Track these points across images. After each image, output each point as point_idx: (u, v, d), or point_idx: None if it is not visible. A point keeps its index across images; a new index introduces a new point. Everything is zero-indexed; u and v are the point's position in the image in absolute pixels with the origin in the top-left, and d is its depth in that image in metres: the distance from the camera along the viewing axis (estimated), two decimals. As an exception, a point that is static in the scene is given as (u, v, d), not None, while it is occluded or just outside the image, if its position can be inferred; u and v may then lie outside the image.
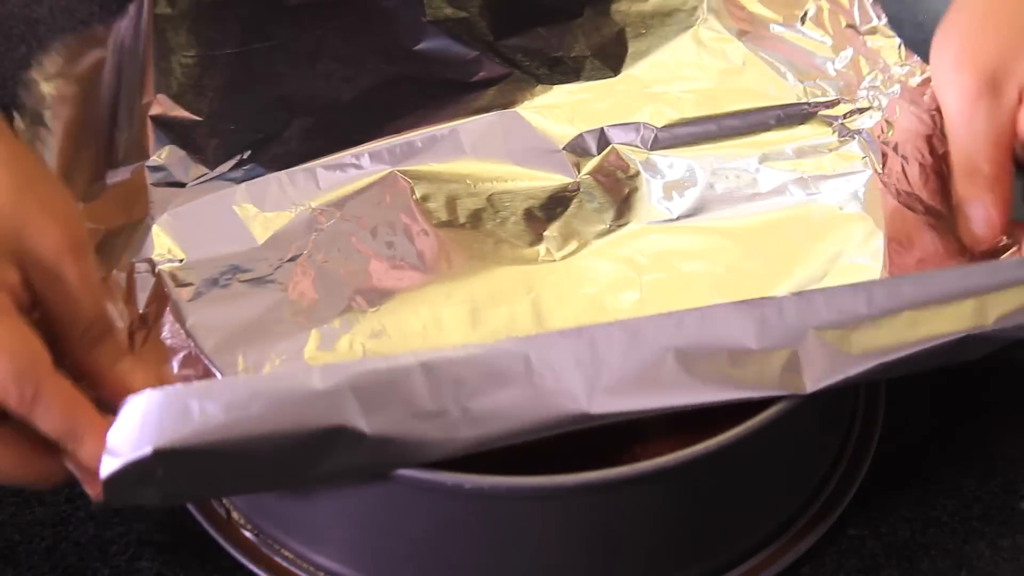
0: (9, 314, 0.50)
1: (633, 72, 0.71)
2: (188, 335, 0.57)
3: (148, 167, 0.64)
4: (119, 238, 0.61)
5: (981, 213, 0.62)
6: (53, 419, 0.50)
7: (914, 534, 0.63)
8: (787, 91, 0.69)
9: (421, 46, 0.72)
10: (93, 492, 0.51)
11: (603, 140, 0.67)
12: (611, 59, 0.72)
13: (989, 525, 0.63)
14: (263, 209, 0.62)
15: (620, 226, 0.64)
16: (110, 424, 0.48)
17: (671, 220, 0.64)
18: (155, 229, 0.61)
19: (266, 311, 0.58)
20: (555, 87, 0.70)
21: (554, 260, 0.62)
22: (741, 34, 0.71)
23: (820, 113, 0.67)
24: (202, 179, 0.64)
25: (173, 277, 0.59)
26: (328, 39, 0.72)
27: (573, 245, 0.63)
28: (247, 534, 0.60)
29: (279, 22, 0.73)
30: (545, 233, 0.63)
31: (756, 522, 0.60)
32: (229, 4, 0.73)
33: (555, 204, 0.64)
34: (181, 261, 0.60)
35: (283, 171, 0.64)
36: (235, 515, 0.61)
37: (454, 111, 0.68)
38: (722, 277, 0.61)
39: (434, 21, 0.73)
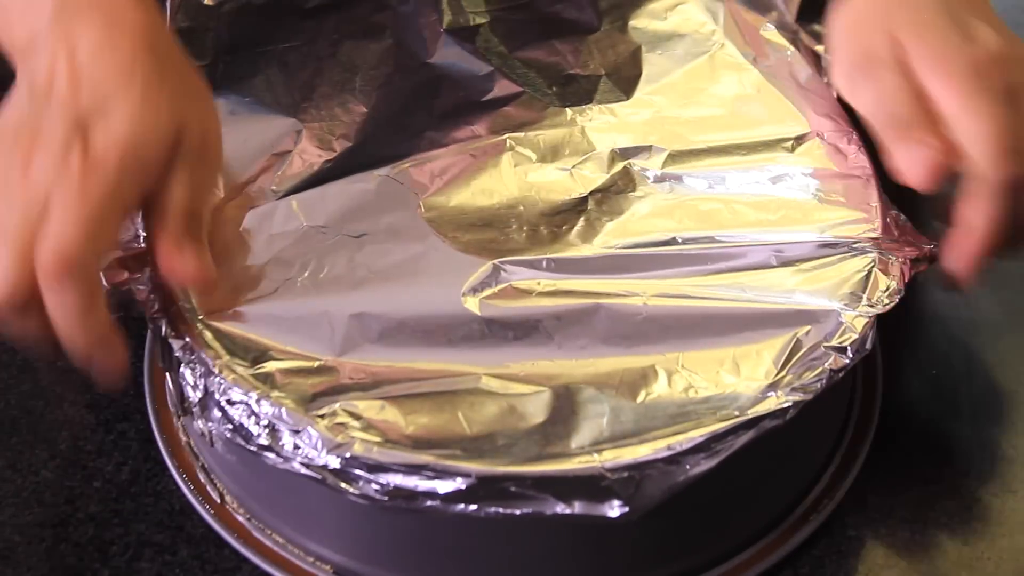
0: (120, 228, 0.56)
1: (646, 96, 0.71)
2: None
3: None
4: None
5: (921, 151, 0.58)
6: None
7: (914, 534, 0.63)
8: (800, 119, 0.68)
9: (435, 58, 0.72)
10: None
11: (614, 161, 0.67)
12: (624, 81, 0.71)
13: (989, 525, 0.63)
14: (270, 232, 0.63)
15: (626, 247, 0.63)
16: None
17: (675, 243, 0.64)
18: None
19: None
20: (566, 109, 0.70)
21: (555, 274, 0.62)
22: (756, 60, 0.71)
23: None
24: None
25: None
26: (344, 44, 0.72)
27: (576, 259, 0.63)
28: (239, 518, 0.61)
29: (296, 23, 0.72)
30: (549, 247, 0.63)
31: (748, 517, 0.61)
32: (246, 11, 0.72)
33: (561, 221, 0.65)
34: None
35: (292, 196, 0.64)
36: (228, 498, 0.62)
37: (465, 132, 0.68)
38: None
39: (450, 29, 0.73)
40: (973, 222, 0.59)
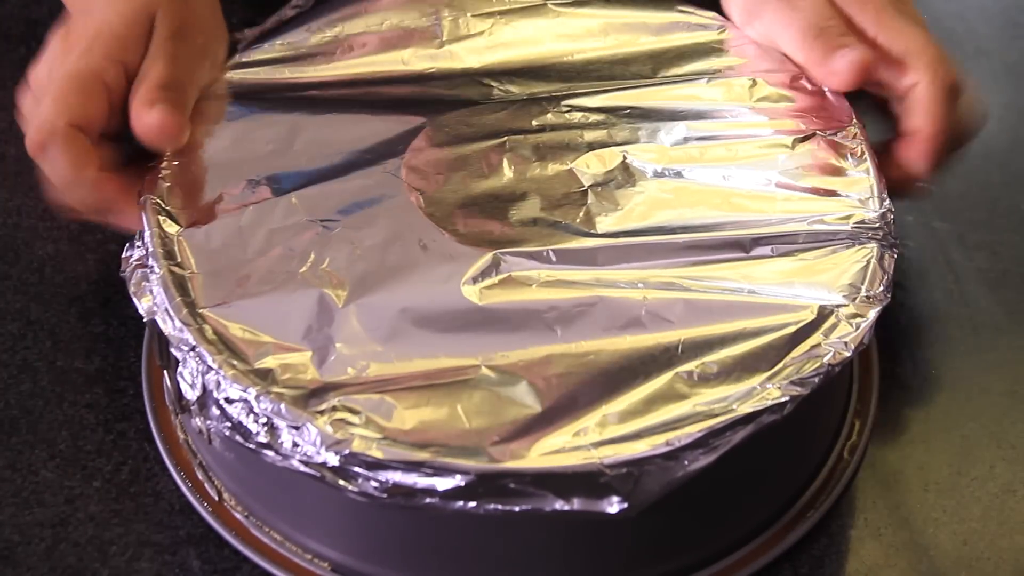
0: (100, 95, 0.62)
1: (648, 103, 0.71)
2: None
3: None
4: None
5: (846, 54, 0.66)
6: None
7: (914, 535, 0.63)
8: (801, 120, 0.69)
9: (436, 59, 0.72)
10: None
11: (613, 156, 0.67)
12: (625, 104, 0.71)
13: (988, 525, 0.63)
14: (270, 227, 0.63)
15: (626, 239, 0.63)
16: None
17: (674, 235, 0.64)
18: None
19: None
20: (566, 114, 0.70)
21: (555, 265, 0.62)
22: (756, 81, 0.71)
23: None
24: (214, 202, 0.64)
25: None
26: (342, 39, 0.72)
27: (577, 250, 0.63)
28: (237, 515, 0.61)
29: (293, 20, 0.73)
30: (549, 238, 0.63)
31: (745, 514, 0.61)
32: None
33: (562, 214, 0.64)
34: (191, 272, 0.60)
35: (291, 192, 0.64)
36: (226, 496, 0.62)
37: (464, 132, 0.68)
38: None
39: (450, 39, 0.73)
40: (923, 128, 0.65)
